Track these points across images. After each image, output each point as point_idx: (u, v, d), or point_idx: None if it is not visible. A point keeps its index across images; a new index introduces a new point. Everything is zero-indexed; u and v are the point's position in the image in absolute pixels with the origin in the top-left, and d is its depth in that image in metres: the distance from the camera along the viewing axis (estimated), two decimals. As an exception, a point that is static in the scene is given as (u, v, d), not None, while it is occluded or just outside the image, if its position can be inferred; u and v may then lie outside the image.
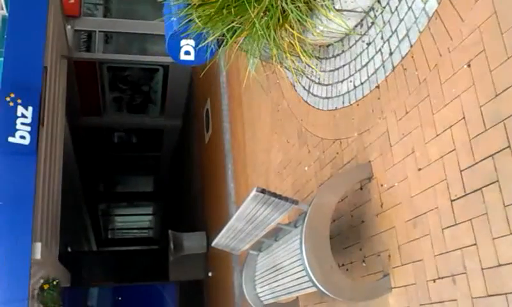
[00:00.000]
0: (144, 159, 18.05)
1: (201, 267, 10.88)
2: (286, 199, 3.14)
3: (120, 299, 11.97)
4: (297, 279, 3.22)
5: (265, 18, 3.13)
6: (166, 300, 12.11)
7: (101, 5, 13.13)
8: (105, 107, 13.15)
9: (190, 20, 3.41)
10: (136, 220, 28.00)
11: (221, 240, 4.15)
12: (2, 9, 11.19)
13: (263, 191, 3.10)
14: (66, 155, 10.17)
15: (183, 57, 4.62)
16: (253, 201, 3.22)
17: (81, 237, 19.93)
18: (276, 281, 3.65)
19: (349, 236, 3.56)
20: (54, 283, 7.36)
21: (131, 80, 12.51)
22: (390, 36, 3.04)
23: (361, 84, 3.40)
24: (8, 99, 6.87)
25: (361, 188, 3.40)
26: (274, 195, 3.14)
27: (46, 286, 7.20)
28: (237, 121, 7.28)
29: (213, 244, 4.30)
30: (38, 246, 6.88)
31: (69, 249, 13.83)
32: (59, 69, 9.35)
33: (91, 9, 12.60)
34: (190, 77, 12.35)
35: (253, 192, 3.12)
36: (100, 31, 11.61)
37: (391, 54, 3.04)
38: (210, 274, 9.92)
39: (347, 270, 3.60)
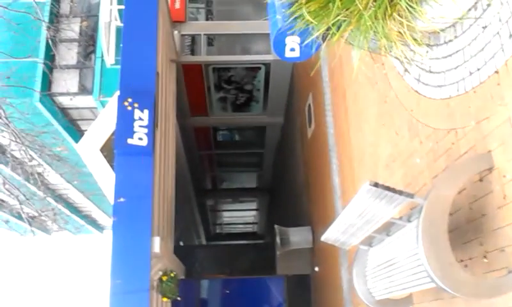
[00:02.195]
0: (247, 156, 18.51)
1: (307, 262, 10.95)
2: (400, 192, 3.06)
3: (229, 291, 12.38)
4: (413, 274, 3.12)
5: (373, 8, 3.08)
6: (274, 293, 12.34)
7: (203, 8, 13.68)
8: (211, 107, 13.66)
9: (296, 17, 3.44)
10: (241, 216, 28.82)
11: (330, 235, 4.14)
12: (117, 20, 12.13)
13: (376, 185, 3.04)
14: (177, 154, 10.76)
15: (288, 54, 4.67)
16: (365, 194, 3.16)
17: (192, 232, 20.95)
18: (390, 276, 3.57)
19: (468, 230, 3.39)
20: (172, 274, 7.75)
21: (235, 80, 12.87)
22: (510, 17, 2.84)
23: (478, 70, 3.21)
24: (125, 104, 7.39)
25: (480, 180, 3.22)
26: (388, 188, 3.07)
27: (165, 278, 7.62)
28: (341, 115, 7.21)
29: (322, 238, 4.30)
30: (157, 240, 7.33)
31: (181, 243, 14.60)
32: (169, 73, 9.90)
33: (194, 13, 13.18)
34: (291, 73, 12.43)
35: (366, 186, 3.07)
36: (204, 34, 12.09)
37: (511, 36, 2.84)
38: (316, 269, 9.94)
39: (466, 266, 3.42)
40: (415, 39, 3.24)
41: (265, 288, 12.25)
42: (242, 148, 17.59)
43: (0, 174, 5.74)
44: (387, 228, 3.78)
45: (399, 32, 3.21)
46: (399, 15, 3.12)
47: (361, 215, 3.49)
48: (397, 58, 3.60)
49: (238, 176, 21.91)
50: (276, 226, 10.33)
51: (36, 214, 6.39)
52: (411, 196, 3.07)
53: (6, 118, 5.67)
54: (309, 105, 9.87)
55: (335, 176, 7.65)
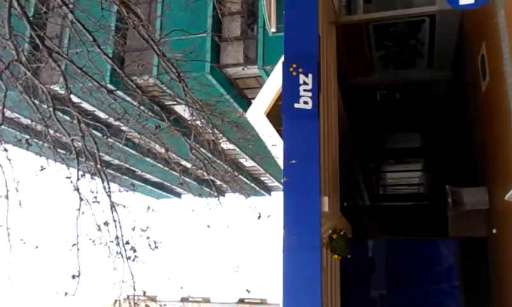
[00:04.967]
0: (411, 115, 17.76)
1: (483, 224, 10.30)
2: None
3: (397, 253, 12.23)
4: None
5: None
6: (446, 256, 11.85)
7: (360, -34, 13.28)
8: (372, 65, 13.37)
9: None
10: (405, 177, 27.97)
11: None
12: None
13: None
14: (339, 116, 10.86)
15: (463, 1, 4.42)
16: None
17: (355, 193, 21.00)
18: None
19: None
20: (342, 233, 8.01)
21: (397, 36, 12.37)
22: None
23: None
24: (290, 69, 7.71)
25: None
26: None
27: (335, 236, 7.91)
28: None
29: (507, 196, 4.07)
30: (326, 200, 7.62)
31: (345, 204, 14.83)
32: (329, 35, 9.97)
33: (349, -29, 12.88)
34: (459, 23, 11.51)
35: None
36: (363, -9, 11.83)
37: None
38: (494, 231, 9.32)
39: None
40: None
41: (436, 250, 11.83)
42: (405, 107, 16.92)
43: (187, 142, 6.46)
44: None
45: None
46: None
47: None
48: None
49: (401, 136, 21.21)
50: (447, 186, 9.87)
51: (217, 179, 7.08)
52: None
53: (190, 90, 6.34)
54: (482, 55, 9.08)
55: None
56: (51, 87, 5.72)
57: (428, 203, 24.55)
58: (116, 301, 5.36)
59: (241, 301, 24.60)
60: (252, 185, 31.03)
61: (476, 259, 10.86)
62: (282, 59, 7.99)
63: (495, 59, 8.12)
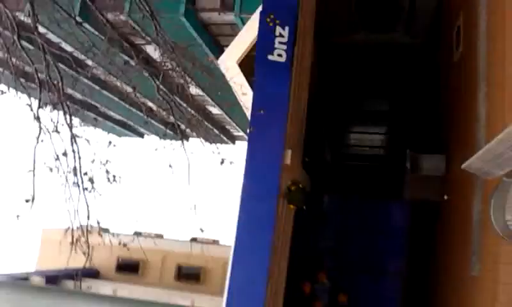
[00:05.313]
0: (382, 79, 17.84)
1: (437, 190, 10.58)
2: None
3: (353, 210, 12.52)
4: None
5: None
6: (397, 217, 12.22)
7: None
8: (350, 26, 13.17)
9: None
10: (369, 138, 28.39)
11: (474, 163, 4.03)
12: None
13: None
14: (311, 72, 10.79)
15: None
16: None
17: (318, 149, 21.19)
18: None
19: None
20: (300, 185, 8.16)
21: None
22: None
23: None
24: (268, 19, 7.59)
25: None
26: None
27: (293, 188, 8.03)
28: (498, 39, 6.59)
29: (464, 165, 4.21)
30: (289, 153, 7.71)
31: (307, 159, 14.99)
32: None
33: None
34: None
35: None
36: None
37: None
38: (446, 197, 9.67)
39: None
40: None
41: (388, 210, 12.17)
42: (378, 70, 16.90)
43: (155, 83, 6.35)
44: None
45: None
46: None
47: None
48: None
49: (370, 98, 21.36)
50: (408, 151, 10.11)
51: (182, 123, 7.03)
52: None
53: (162, 29, 6.18)
54: (458, 26, 9.14)
55: (481, 105, 7.17)
56: (16, 13, 5.44)
57: (388, 165, 25.14)
58: (68, 228, 5.36)
59: (194, 240, 25.02)
60: (217, 132, 31.00)
61: (426, 223, 11.30)
62: (260, 8, 7.83)
63: (470, 31, 8.20)
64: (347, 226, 12.33)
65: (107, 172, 5.65)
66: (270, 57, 7.48)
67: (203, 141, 6.90)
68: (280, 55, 7.47)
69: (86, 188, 5.49)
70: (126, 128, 34.46)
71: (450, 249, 9.23)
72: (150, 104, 7.67)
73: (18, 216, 4.87)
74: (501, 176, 3.93)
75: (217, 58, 10.08)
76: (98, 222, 5.52)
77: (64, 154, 5.37)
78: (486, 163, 3.84)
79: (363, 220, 12.35)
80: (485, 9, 7.25)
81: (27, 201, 4.91)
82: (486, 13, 7.19)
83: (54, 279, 21.82)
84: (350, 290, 10.99)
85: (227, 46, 10.12)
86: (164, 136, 7.10)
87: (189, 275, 27.17)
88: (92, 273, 24.90)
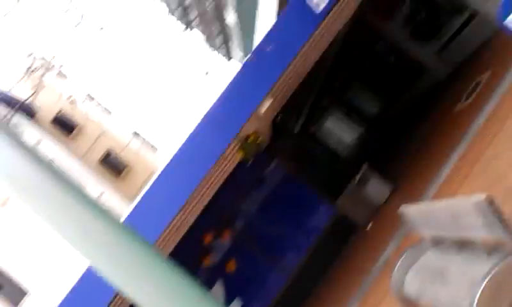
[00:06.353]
0: (384, 81, 17.10)
1: (366, 216, 10.15)
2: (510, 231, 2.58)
3: (282, 187, 11.86)
4: (453, 300, 2.80)
5: None
6: (317, 217, 11.65)
7: None
8: (393, 16, 12.16)
9: None
10: (339, 131, 28.01)
11: (411, 212, 3.79)
12: None
13: (491, 203, 2.60)
14: (333, 43, 9.94)
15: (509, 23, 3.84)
16: (473, 206, 2.74)
17: (293, 115, 20.55)
18: (432, 284, 3.24)
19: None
20: (257, 140, 7.65)
21: (434, 5, 11.13)
22: None
23: None
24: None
25: None
26: (501, 218, 2.61)
27: (252, 138, 7.52)
28: (502, 115, 6.07)
29: (401, 208, 3.89)
30: (268, 102, 7.09)
31: (279, 118, 14.31)
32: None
33: None
34: (490, 39, 10.38)
35: (479, 198, 2.65)
36: None
37: None
38: (369, 227, 9.35)
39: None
40: None
41: (313, 205, 11.50)
42: (390, 73, 16.03)
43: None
44: (463, 244, 3.33)
45: None
46: None
47: (454, 217, 3.10)
48: None
49: (365, 92, 20.76)
50: (366, 164, 9.67)
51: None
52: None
53: None
54: (479, 81, 8.50)
55: (449, 163, 6.75)
56: None
57: (342, 166, 24.93)
58: (28, 69, 4.61)
59: (136, 134, 24.13)
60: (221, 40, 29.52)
61: (339, 238, 10.89)
62: None
63: (485, 93, 7.60)
64: (272, 201, 11.78)
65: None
66: (308, 0, 6.70)
67: (204, 38, 6.23)
68: (317, 4, 6.68)
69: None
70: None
71: (341, 276, 9.06)
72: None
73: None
74: (424, 237, 3.78)
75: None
76: (61, 66, 4.76)
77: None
78: (419, 215, 3.69)
79: (289, 202, 11.80)
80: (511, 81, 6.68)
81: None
82: (508, 87, 6.62)
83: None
84: (242, 261, 10.63)
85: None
86: (173, 11, 6.35)
87: (113, 166, 25.84)
88: (28, 110, 22.99)
